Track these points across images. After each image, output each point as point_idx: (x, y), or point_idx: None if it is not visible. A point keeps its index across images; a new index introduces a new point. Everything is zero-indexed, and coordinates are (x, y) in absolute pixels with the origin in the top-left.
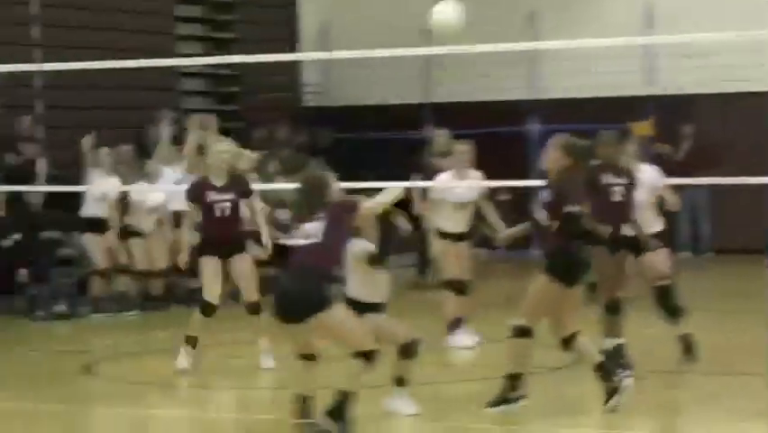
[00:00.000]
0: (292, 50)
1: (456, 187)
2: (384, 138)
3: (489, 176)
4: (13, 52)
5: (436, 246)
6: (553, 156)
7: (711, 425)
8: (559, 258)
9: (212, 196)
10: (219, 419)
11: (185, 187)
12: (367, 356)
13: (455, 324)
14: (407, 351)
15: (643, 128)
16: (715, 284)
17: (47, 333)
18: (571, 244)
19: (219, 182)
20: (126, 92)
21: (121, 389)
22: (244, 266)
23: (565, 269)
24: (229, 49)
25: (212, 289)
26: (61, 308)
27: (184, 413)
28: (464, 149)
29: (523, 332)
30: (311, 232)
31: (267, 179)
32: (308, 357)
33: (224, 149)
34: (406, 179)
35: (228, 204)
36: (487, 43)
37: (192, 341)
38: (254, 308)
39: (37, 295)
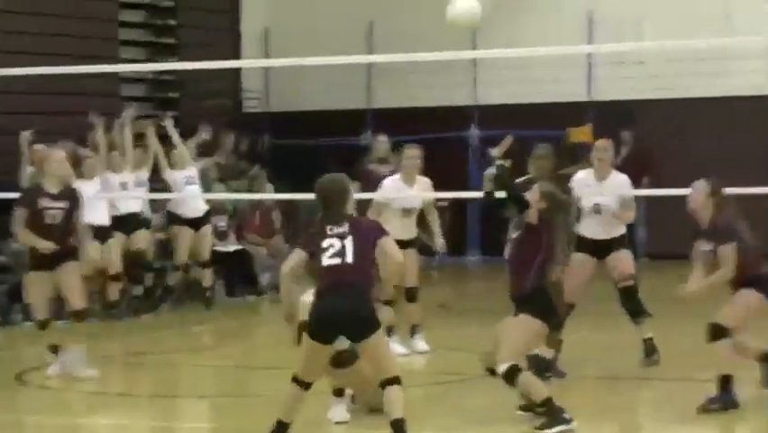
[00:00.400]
0: (234, 56)
1: (404, 193)
2: (324, 144)
3: (432, 179)
4: None
5: None
6: (532, 197)
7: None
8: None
9: (44, 203)
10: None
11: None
12: (398, 381)
13: (390, 331)
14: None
15: (582, 134)
16: (653, 289)
17: None
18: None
19: (54, 189)
20: (68, 97)
21: (51, 397)
22: (70, 275)
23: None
24: (171, 54)
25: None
26: None
27: (111, 422)
28: (413, 153)
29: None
30: (339, 248)
31: (207, 185)
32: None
33: (59, 158)
34: None
35: (60, 212)
36: (430, 51)
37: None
38: (80, 316)
39: None
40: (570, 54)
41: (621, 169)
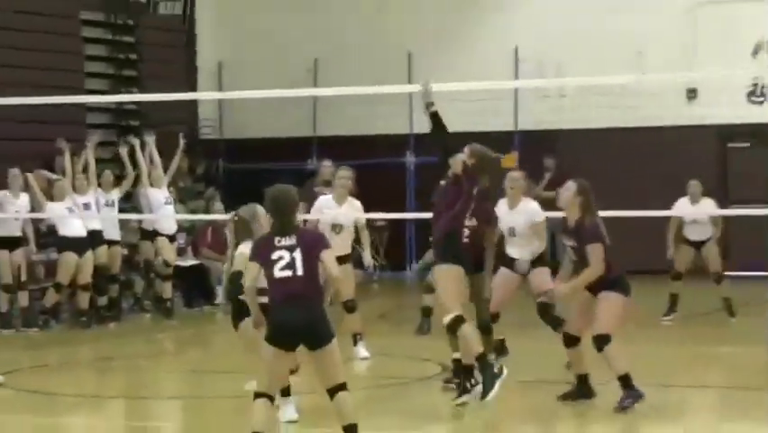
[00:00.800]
0: (191, 87)
1: (334, 211)
2: (274, 169)
3: (371, 202)
4: None
5: None
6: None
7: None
8: None
9: None
10: (114, 427)
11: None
12: (346, 387)
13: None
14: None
15: (509, 160)
16: None
17: None
18: None
19: None
20: (37, 125)
21: (29, 399)
22: None
23: None
24: (133, 85)
25: None
26: None
27: (84, 421)
28: (344, 174)
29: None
30: (289, 260)
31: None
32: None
33: None
34: None
35: None
36: (370, 85)
37: None
38: None
39: None
40: (499, 88)
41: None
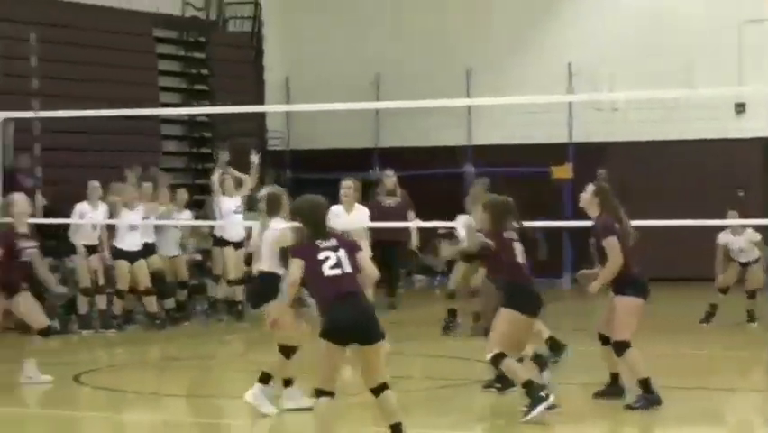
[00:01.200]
0: (259, 101)
1: (343, 218)
2: (338, 178)
3: (428, 211)
4: (14, 101)
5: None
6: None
7: None
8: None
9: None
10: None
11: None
12: (388, 386)
13: None
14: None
15: (562, 171)
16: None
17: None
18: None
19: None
20: (113, 136)
21: (105, 396)
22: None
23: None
24: (204, 99)
25: None
26: (54, 324)
27: (155, 418)
28: (346, 185)
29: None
30: (336, 260)
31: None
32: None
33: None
34: None
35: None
36: (431, 98)
37: None
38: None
39: None
40: (553, 102)
41: None
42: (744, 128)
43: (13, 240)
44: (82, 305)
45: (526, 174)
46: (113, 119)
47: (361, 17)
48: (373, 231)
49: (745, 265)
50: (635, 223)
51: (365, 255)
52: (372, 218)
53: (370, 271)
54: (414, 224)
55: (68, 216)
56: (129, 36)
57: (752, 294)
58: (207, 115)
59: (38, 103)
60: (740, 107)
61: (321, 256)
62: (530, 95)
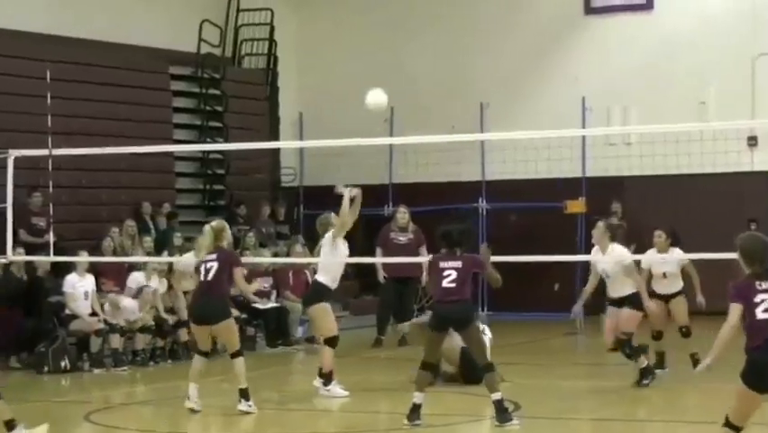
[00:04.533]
0: (273, 137)
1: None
2: None
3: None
4: (29, 139)
5: (319, 308)
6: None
7: None
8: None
9: None
10: None
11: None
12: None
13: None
14: None
15: (576, 206)
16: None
17: (53, 385)
18: None
19: None
20: (127, 173)
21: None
22: None
23: None
24: (219, 135)
25: None
26: (65, 363)
27: None
28: (334, 220)
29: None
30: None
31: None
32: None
33: None
34: (372, 251)
35: None
36: (444, 133)
37: None
38: None
39: (44, 352)
40: (566, 136)
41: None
42: (756, 161)
43: None
44: (94, 343)
45: (540, 209)
46: (127, 156)
47: (374, 52)
48: (386, 266)
49: (666, 300)
50: (648, 256)
51: None
52: (385, 254)
53: None
54: (426, 259)
55: (76, 254)
56: (144, 73)
57: (686, 332)
58: (221, 152)
59: (51, 140)
60: (752, 141)
61: None
62: (544, 129)
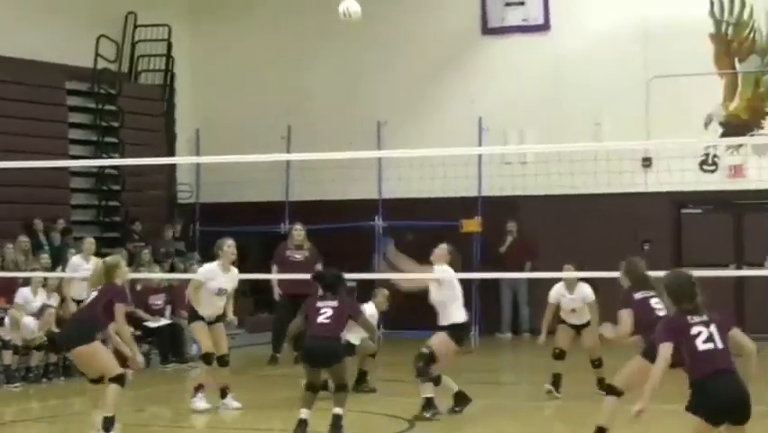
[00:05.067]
0: (170, 153)
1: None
2: (247, 231)
3: (341, 264)
4: None
5: (195, 326)
6: None
7: None
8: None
9: None
10: None
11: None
12: None
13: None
14: None
15: (472, 225)
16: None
17: None
18: None
19: None
20: (22, 188)
21: None
22: None
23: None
24: (114, 151)
25: None
26: None
27: None
28: (231, 243)
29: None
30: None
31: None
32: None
33: None
34: (267, 268)
35: None
36: (341, 150)
37: None
38: None
39: None
40: (463, 154)
41: (507, 255)
42: (650, 182)
43: None
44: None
45: (436, 228)
46: (21, 171)
47: (272, 70)
48: (282, 284)
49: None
50: (544, 275)
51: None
52: (281, 271)
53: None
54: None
55: None
56: (40, 88)
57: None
58: (117, 168)
59: None
60: (646, 161)
61: None
62: (440, 148)
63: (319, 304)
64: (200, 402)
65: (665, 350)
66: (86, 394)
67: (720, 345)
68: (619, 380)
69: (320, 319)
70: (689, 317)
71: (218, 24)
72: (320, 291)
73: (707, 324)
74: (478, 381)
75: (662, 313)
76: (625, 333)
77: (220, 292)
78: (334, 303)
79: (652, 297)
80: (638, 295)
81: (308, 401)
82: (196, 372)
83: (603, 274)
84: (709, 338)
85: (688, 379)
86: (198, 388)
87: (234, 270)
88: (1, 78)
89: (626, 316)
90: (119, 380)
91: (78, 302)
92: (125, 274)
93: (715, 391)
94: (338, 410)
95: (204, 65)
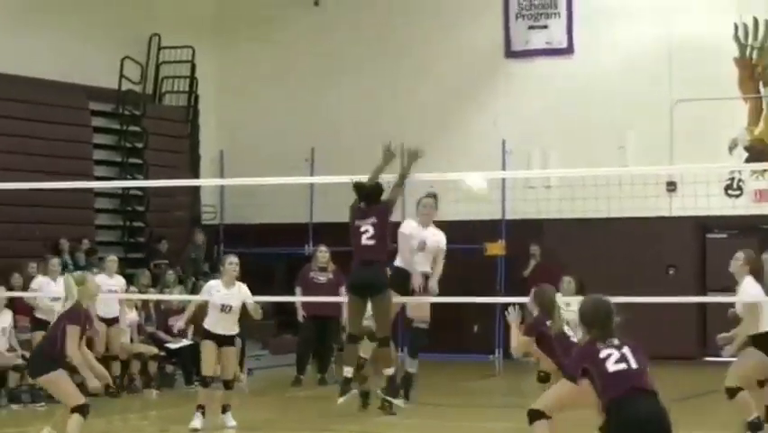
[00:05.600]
0: (194, 175)
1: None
2: (271, 253)
3: None
4: None
5: (203, 344)
6: None
7: None
8: None
9: None
10: None
11: None
12: None
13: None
14: None
15: (495, 248)
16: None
17: None
18: None
19: None
20: (46, 209)
21: None
22: None
23: None
24: (139, 172)
25: None
26: None
27: None
28: (233, 261)
29: None
30: None
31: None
32: None
33: None
34: (291, 290)
35: None
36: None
37: None
38: None
39: None
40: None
41: (530, 278)
42: (675, 207)
43: None
44: (12, 379)
45: (460, 251)
46: (47, 192)
47: (296, 91)
48: (306, 306)
49: None
50: (567, 299)
51: None
52: (304, 293)
53: None
54: (344, 299)
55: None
56: (64, 109)
57: None
58: (141, 189)
59: None
60: (671, 186)
61: None
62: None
63: (358, 223)
64: (195, 421)
65: (584, 381)
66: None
67: (635, 366)
68: (545, 404)
69: (363, 241)
70: (598, 344)
71: (242, 45)
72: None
73: (618, 347)
74: (503, 404)
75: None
76: (514, 348)
77: (224, 309)
78: (373, 219)
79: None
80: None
81: (351, 356)
82: (218, 392)
83: (628, 299)
84: (621, 359)
85: (602, 408)
86: (199, 407)
87: (242, 286)
88: (26, 99)
89: (522, 338)
90: (80, 410)
91: (104, 320)
92: (92, 291)
93: (634, 408)
94: (389, 371)
95: (228, 86)
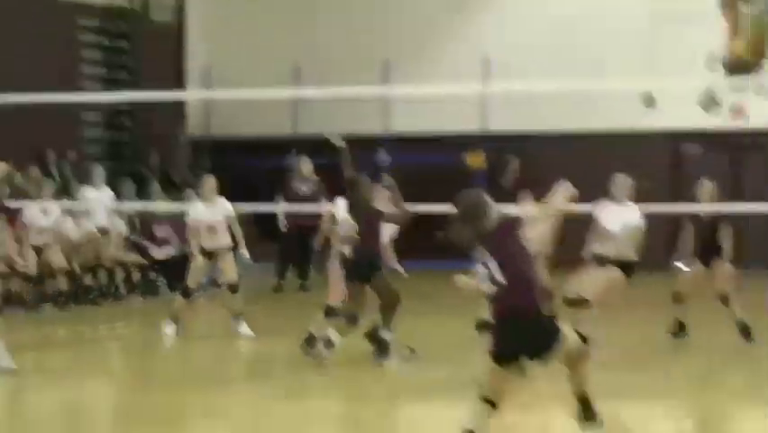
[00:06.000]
0: (180, 87)
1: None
2: (256, 164)
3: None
4: None
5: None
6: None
7: None
8: None
9: None
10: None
11: None
12: None
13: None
14: None
15: (475, 160)
16: None
17: None
18: None
19: None
20: (34, 122)
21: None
22: None
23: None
24: (126, 87)
25: None
26: None
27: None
28: (209, 180)
29: None
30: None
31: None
32: None
33: None
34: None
35: None
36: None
37: None
38: None
39: None
40: (467, 92)
41: (511, 190)
42: (652, 121)
43: None
44: None
45: (440, 163)
46: (34, 105)
47: (282, 7)
48: (288, 216)
49: None
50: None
51: None
52: (287, 202)
53: None
54: (325, 209)
55: None
56: (51, 25)
57: None
58: (128, 103)
59: None
60: (650, 102)
61: None
62: (446, 85)
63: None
64: (167, 328)
65: None
66: None
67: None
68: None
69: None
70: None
71: None
72: None
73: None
74: None
75: None
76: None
77: (210, 228)
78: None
79: None
80: None
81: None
82: (201, 300)
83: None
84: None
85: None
86: (175, 319)
87: (222, 201)
88: (15, 16)
89: None
90: None
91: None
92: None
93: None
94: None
95: (215, 2)
